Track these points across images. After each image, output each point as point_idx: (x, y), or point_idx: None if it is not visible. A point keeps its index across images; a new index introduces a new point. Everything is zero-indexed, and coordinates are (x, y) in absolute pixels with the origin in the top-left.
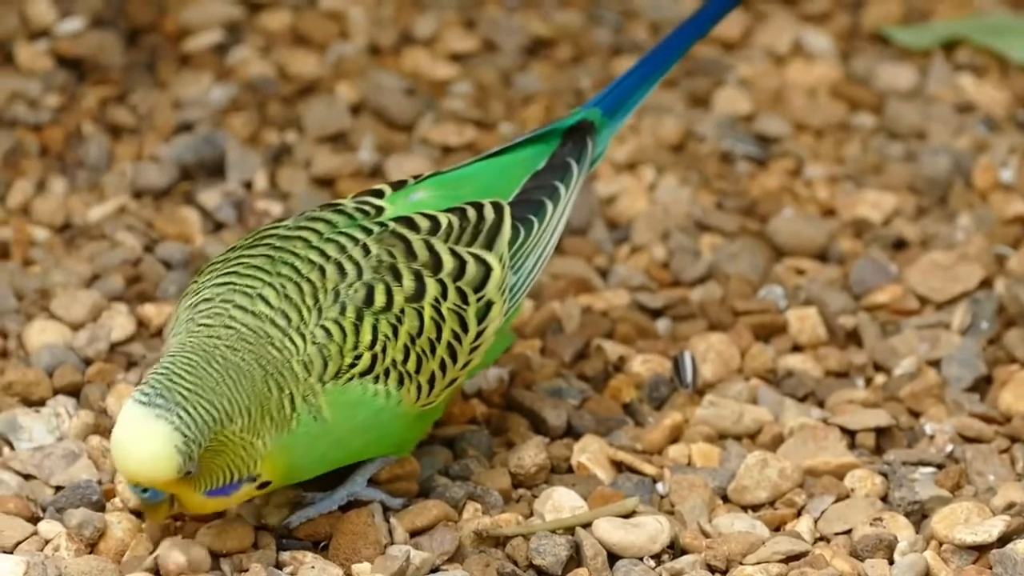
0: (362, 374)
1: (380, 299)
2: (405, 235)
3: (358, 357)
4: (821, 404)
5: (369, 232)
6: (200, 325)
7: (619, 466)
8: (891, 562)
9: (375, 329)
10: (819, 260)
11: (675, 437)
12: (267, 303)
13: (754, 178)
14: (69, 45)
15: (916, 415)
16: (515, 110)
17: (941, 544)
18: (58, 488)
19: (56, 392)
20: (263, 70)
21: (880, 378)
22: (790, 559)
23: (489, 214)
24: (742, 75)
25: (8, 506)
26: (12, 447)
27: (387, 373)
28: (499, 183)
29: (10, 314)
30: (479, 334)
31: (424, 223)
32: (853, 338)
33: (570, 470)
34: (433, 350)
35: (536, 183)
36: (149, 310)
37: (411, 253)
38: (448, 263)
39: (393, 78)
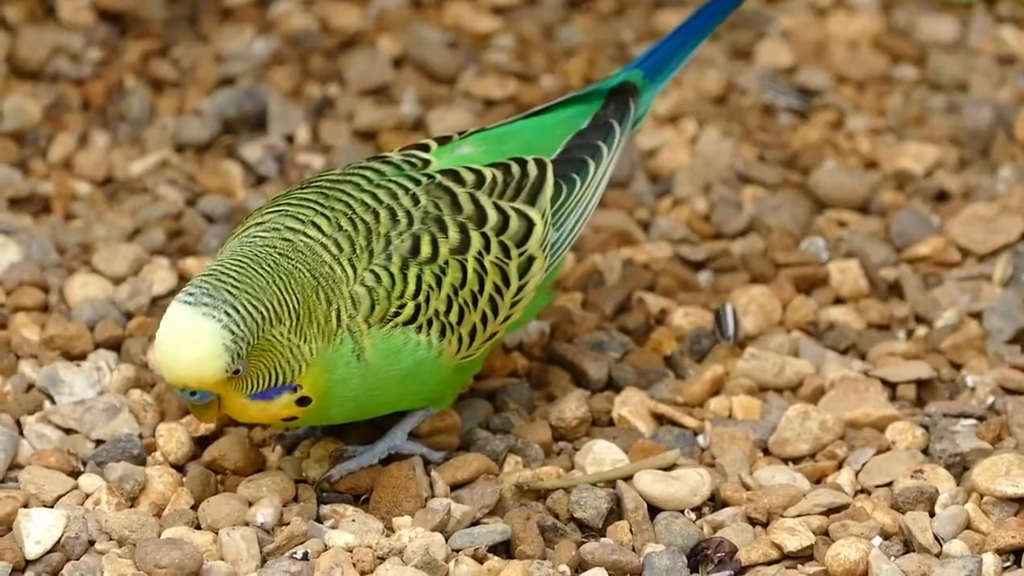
0: (405, 323)
1: (426, 250)
2: (451, 188)
3: (402, 306)
4: (862, 356)
5: (417, 183)
6: (253, 237)
7: (660, 419)
8: (932, 514)
9: (419, 279)
10: (861, 212)
11: (716, 390)
12: (320, 230)
13: (796, 130)
14: None
15: (957, 367)
16: (557, 63)
17: (982, 496)
18: (99, 442)
19: (97, 346)
20: (305, 23)
21: (921, 330)
22: (831, 511)
23: (532, 170)
24: (784, 27)
25: (49, 460)
26: (53, 401)
27: (429, 323)
28: (543, 141)
29: (52, 268)
30: (520, 288)
31: (469, 176)
32: (895, 290)
33: (611, 423)
34: (475, 302)
35: (579, 142)
36: (191, 264)
37: (456, 206)
38: (492, 217)
39: (435, 31)
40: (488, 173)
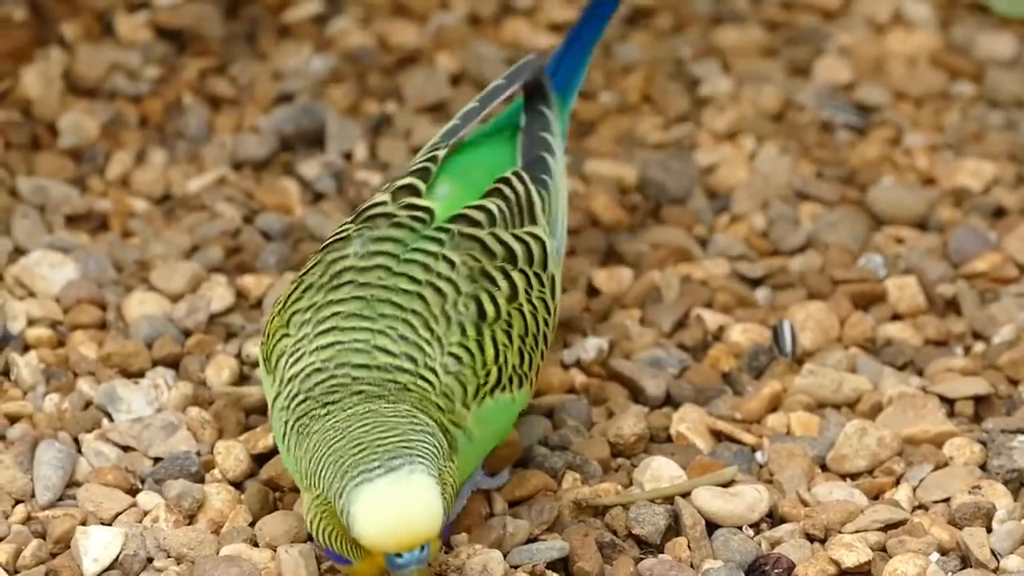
0: (492, 389)
1: (490, 309)
2: (475, 234)
3: (488, 374)
4: (920, 372)
5: (440, 242)
6: (328, 404)
7: (718, 435)
8: (989, 530)
9: (494, 341)
10: (918, 228)
11: (774, 406)
12: (387, 352)
13: (854, 147)
14: (169, 16)
15: (1015, 383)
16: (615, 79)
17: None
18: (157, 459)
19: (155, 363)
20: (363, 40)
21: (979, 346)
22: (888, 527)
23: (519, 187)
24: (842, 44)
25: (107, 477)
26: (111, 418)
27: (511, 380)
28: (500, 156)
29: (109, 285)
30: (557, 309)
31: (481, 216)
32: (952, 306)
33: (669, 439)
34: (536, 344)
35: (528, 142)
36: (248, 281)
37: (488, 251)
38: (518, 250)
39: (493, 48)
40: (492, 206)
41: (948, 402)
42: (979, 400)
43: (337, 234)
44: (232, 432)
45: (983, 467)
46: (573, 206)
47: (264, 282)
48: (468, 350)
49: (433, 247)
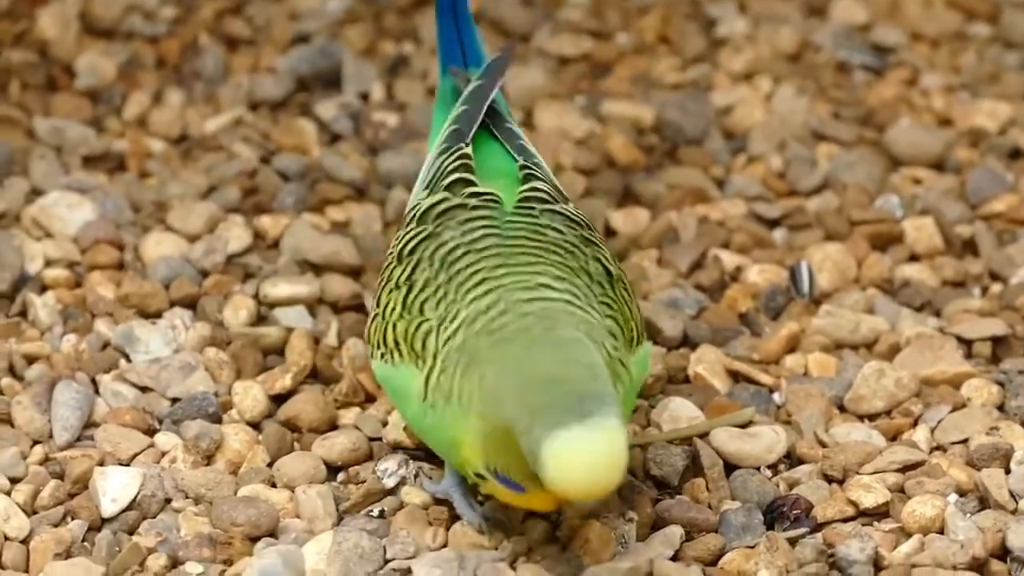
0: (635, 342)
1: (612, 268)
2: (556, 209)
3: (631, 328)
4: (937, 313)
5: (534, 215)
6: (498, 330)
7: (736, 376)
8: (1007, 471)
9: (624, 299)
10: (936, 169)
11: (792, 347)
12: (551, 288)
13: (870, 88)
14: None
15: None
16: (631, 20)
17: None
18: (175, 400)
19: (172, 304)
20: None
21: (996, 287)
22: (906, 468)
23: (539, 173)
24: None
25: (125, 418)
26: (128, 359)
27: (641, 334)
28: (491, 152)
29: (127, 226)
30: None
31: (546, 196)
32: (969, 247)
33: (687, 380)
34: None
35: (502, 133)
36: (265, 221)
37: (575, 222)
38: (589, 223)
39: None
40: (541, 186)
41: (966, 343)
42: (997, 341)
43: (412, 238)
44: (250, 373)
45: (1001, 408)
46: (590, 147)
47: (281, 222)
48: (613, 301)
49: (530, 219)
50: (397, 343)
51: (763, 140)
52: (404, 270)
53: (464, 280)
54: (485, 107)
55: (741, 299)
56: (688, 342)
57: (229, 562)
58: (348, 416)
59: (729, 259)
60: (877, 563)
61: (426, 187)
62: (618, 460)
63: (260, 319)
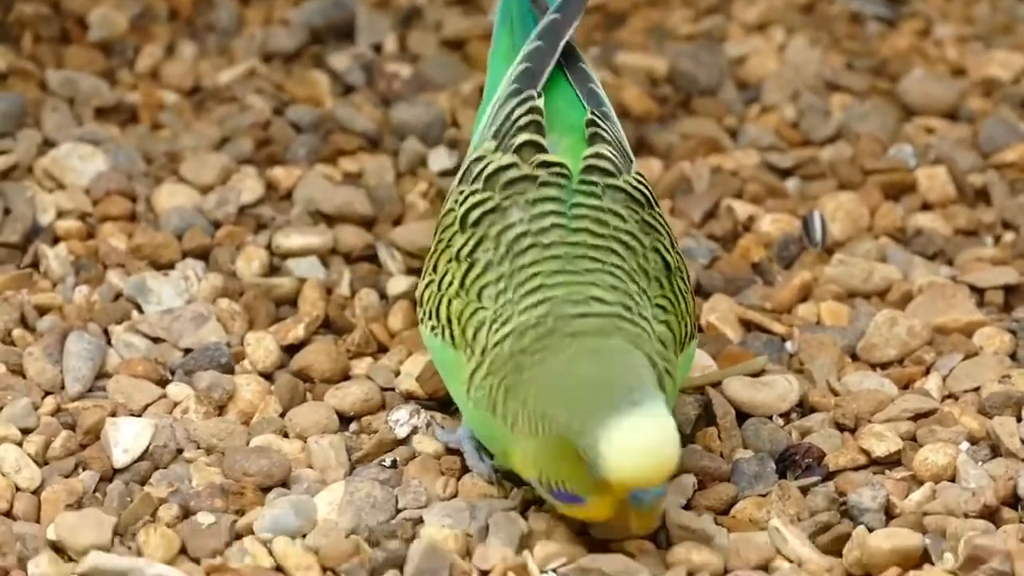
0: (687, 339)
1: (671, 259)
2: (618, 185)
3: (685, 324)
4: (950, 262)
5: (597, 196)
6: (542, 351)
7: (748, 325)
8: (1019, 419)
9: (681, 292)
10: (949, 119)
11: (804, 296)
12: (602, 302)
13: (884, 38)
14: None
15: None
16: None
17: None
18: (187, 351)
19: (185, 255)
20: None
21: (1009, 236)
22: (918, 417)
23: (604, 126)
24: None
25: (137, 369)
26: (141, 310)
27: (696, 328)
28: (563, 95)
29: (139, 177)
30: None
31: (609, 165)
32: (982, 196)
33: (700, 329)
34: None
35: (573, 75)
36: (278, 172)
37: (635, 200)
38: (649, 195)
39: None
40: (608, 153)
41: (978, 291)
42: (1009, 289)
43: (477, 204)
44: (262, 323)
45: (1013, 356)
46: None
47: (294, 174)
48: (670, 301)
49: (594, 201)
50: (450, 321)
51: (776, 90)
52: (467, 242)
53: (524, 280)
54: (560, 47)
55: (754, 248)
56: (701, 291)
57: (241, 512)
58: (360, 366)
59: (742, 209)
60: (889, 511)
61: (494, 135)
62: (672, 444)
63: (272, 270)
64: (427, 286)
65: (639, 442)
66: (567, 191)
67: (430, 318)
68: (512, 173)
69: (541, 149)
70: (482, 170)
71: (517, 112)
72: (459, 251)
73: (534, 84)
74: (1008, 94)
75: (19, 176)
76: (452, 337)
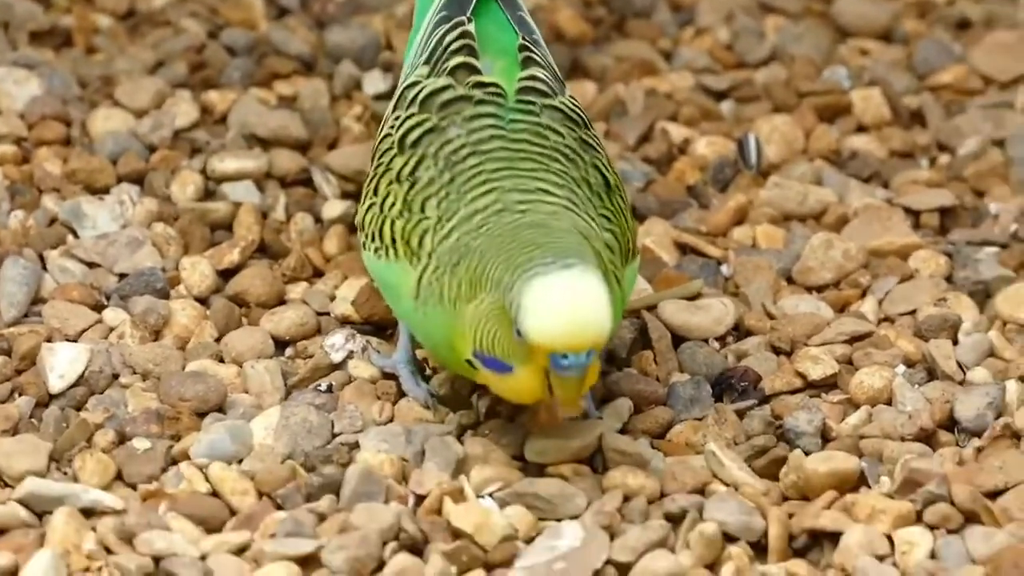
0: (629, 256)
1: (610, 177)
2: (554, 104)
3: (628, 241)
4: (885, 184)
5: (535, 114)
6: (489, 224)
7: (684, 248)
8: (955, 342)
9: (621, 209)
10: (883, 40)
11: (740, 219)
12: (549, 193)
13: None
14: None
15: (980, 195)
16: None
17: (1005, 324)
18: (122, 276)
19: (120, 179)
20: None
21: (944, 158)
22: (854, 340)
23: (537, 52)
24: None
25: (72, 294)
26: (76, 235)
27: (635, 246)
28: (492, 21)
29: (73, 102)
30: None
31: (544, 87)
32: (917, 118)
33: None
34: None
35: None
36: (213, 96)
37: (572, 120)
38: (584, 117)
39: None
40: (543, 75)
41: (914, 214)
42: (944, 212)
43: (415, 126)
44: (197, 248)
45: (949, 279)
46: (538, 20)
47: (229, 97)
48: (612, 213)
49: (532, 118)
50: (394, 240)
51: (711, 12)
52: (407, 163)
53: (466, 180)
54: None
55: (689, 171)
56: (637, 215)
57: (177, 437)
58: (296, 291)
59: (677, 131)
60: (825, 434)
61: (426, 61)
62: (599, 307)
63: (207, 194)
64: (368, 209)
65: (560, 299)
66: (504, 109)
67: (372, 240)
68: (448, 95)
69: (475, 71)
70: (417, 94)
71: (449, 37)
72: (399, 172)
73: (463, 10)
74: (943, 15)
75: None
76: (396, 254)
